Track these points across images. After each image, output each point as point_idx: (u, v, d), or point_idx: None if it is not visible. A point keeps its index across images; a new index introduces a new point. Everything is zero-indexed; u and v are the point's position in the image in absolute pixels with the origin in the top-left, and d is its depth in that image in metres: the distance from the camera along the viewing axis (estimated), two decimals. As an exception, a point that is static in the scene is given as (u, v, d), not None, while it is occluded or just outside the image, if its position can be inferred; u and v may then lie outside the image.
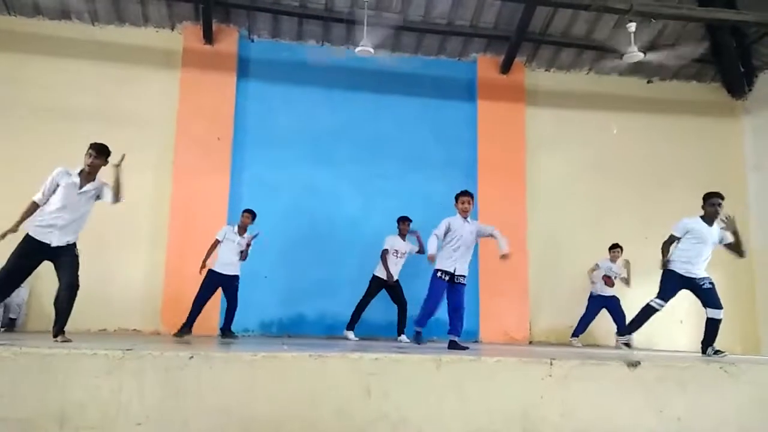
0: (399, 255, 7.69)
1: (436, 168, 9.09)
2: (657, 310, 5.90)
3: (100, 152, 4.94)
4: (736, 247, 5.87)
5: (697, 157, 9.84)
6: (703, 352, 5.78)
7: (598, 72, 10.11)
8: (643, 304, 6.02)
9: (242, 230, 7.20)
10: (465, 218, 5.94)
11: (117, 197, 5.00)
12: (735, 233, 5.79)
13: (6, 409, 3.27)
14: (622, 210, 9.47)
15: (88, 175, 4.95)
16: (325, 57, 9.14)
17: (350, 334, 7.60)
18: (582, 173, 9.66)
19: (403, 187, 8.93)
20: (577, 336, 8.51)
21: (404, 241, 7.79)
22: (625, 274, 8.40)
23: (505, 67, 9.56)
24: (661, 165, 9.79)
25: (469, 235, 5.91)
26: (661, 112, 10.11)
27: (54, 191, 4.84)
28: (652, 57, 8.97)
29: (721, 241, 5.88)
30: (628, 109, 10.04)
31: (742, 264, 9.41)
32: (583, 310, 8.58)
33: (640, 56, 8.36)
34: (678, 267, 5.85)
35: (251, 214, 7.30)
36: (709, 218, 5.87)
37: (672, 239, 5.97)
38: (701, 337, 5.90)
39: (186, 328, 6.82)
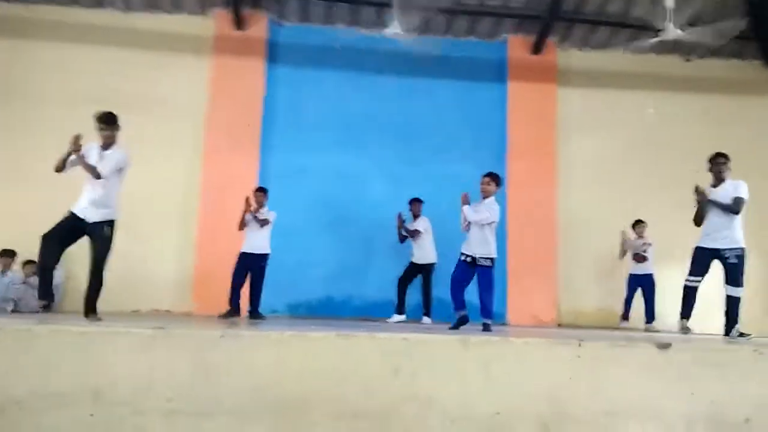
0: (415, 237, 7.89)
1: (465, 151, 9.00)
2: (695, 287, 5.73)
3: (107, 122, 4.94)
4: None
5: (736, 137, 9.45)
6: (726, 333, 5.61)
7: (633, 51, 9.83)
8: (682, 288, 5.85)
9: (258, 209, 7.30)
10: (483, 200, 5.84)
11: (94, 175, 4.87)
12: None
13: (42, 384, 3.37)
14: (656, 192, 9.23)
15: (105, 147, 4.98)
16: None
17: (394, 317, 7.73)
18: (615, 155, 9.46)
19: (431, 171, 8.89)
20: (626, 319, 8.35)
21: (415, 221, 7.94)
22: (648, 247, 8.33)
23: (537, 48, 9.39)
24: (698, 146, 9.32)
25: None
26: (699, 92, 9.81)
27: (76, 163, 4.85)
28: (691, 34, 8.69)
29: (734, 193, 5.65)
30: (664, 88, 9.77)
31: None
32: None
33: (678, 33, 8.11)
34: (702, 241, 5.71)
35: (263, 191, 7.42)
36: (715, 179, 5.78)
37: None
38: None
39: (231, 311, 7.01)
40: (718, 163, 5.78)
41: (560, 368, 3.71)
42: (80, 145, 4.76)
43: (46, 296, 4.82)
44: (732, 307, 5.58)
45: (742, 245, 5.59)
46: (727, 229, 5.61)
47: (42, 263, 4.90)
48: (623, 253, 8.47)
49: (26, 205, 7.91)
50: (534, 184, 9.03)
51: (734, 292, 5.56)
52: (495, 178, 5.89)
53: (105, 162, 4.88)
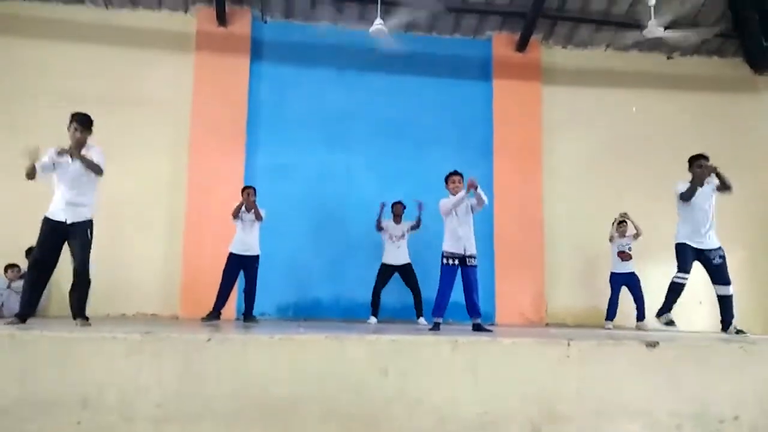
0: (395, 239, 7.78)
1: (450, 148, 8.99)
2: (683, 284, 5.76)
3: (83, 124, 4.83)
4: (723, 187, 5.74)
5: (719, 134, 9.61)
6: (723, 330, 5.68)
7: (616, 48, 9.91)
8: (669, 283, 5.89)
9: (250, 208, 7.12)
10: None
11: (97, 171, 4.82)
12: (717, 174, 5.70)
13: (29, 392, 3.32)
14: (641, 189, 9.29)
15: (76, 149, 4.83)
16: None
17: (372, 320, 7.64)
18: (600, 152, 9.51)
19: (417, 169, 8.86)
20: (610, 319, 8.19)
21: (398, 224, 7.88)
22: (633, 232, 8.28)
23: (521, 45, 9.41)
24: (682, 143, 9.47)
25: (465, 210, 5.81)
26: (682, 89, 9.91)
27: (53, 168, 4.76)
28: (672, 32, 8.76)
29: (713, 191, 5.79)
30: (647, 85, 9.85)
31: (760, 241, 9.35)
32: (599, 292, 8.49)
33: (660, 31, 8.16)
34: (686, 239, 5.75)
35: (253, 189, 7.22)
36: (699, 180, 5.81)
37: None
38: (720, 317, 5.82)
39: (214, 314, 6.83)
40: (701, 165, 5.81)
41: (549, 368, 3.73)
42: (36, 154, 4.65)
43: (22, 315, 4.65)
44: (727, 305, 5.65)
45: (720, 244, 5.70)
46: (711, 228, 5.71)
47: (30, 284, 4.79)
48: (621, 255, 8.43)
49: (7, 205, 7.79)
50: (520, 182, 9.07)
51: (726, 291, 5.64)
52: (462, 176, 5.90)
53: (93, 157, 4.83)
